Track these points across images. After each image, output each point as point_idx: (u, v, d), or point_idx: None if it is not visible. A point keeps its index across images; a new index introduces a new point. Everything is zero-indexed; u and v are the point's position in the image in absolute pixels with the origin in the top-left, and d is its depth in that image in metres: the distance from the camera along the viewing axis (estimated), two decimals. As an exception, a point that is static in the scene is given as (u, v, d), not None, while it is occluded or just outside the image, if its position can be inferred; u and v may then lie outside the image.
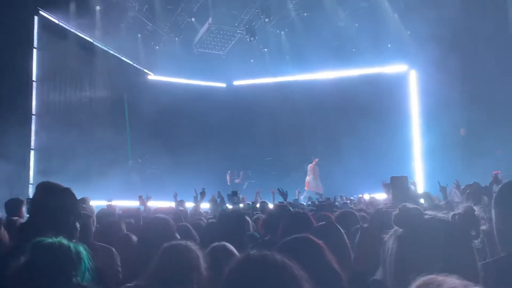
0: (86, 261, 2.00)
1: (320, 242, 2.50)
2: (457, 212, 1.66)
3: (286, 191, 7.26)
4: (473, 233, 1.63)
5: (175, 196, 7.61)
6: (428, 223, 1.67)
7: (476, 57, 13.79)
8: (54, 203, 2.53)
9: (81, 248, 2.01)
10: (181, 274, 2.40)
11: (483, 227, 1.64)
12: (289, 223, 3.62)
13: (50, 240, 1.97)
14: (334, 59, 17.85)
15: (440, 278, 1.18)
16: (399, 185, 3.97)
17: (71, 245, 1.99)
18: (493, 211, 2.24)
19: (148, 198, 7.41)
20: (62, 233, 2.06)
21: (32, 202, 2.72)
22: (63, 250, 1.96)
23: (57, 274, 1.90)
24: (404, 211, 1.70)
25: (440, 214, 1.70)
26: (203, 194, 7.83)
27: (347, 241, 3.24)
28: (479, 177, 6.97)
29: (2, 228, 3.46)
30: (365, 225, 3.21)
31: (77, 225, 2.63)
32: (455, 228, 1.64)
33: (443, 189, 6.37)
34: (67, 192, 2.67)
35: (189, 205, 8.49)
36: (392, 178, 4.07)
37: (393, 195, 4.01)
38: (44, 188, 2.71)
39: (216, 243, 3.03)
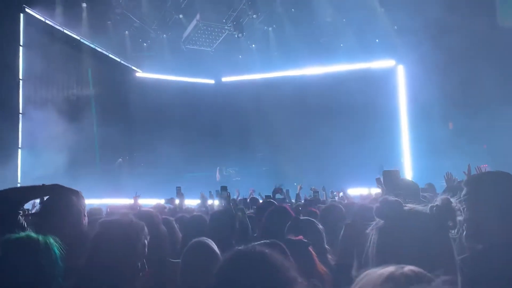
0: (57, 251, 2.01)
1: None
2: (434, 204, 1.70)
3: (279, 187, 7.28)
4: (450, 224, 1.67)
5: (135, 198, 7.46)
6: (407, 214, 1.72)
7: (463, 52, 13.88)
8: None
9: (51, 239, 2.03)
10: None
11: (460, 218, 1.69)
12: (268, 219, 3.68)
13: (17, 235, 1.99)
14: (322, 54, 17.92)
15: (376, 269, 1.23)
16: (391, 178, 3.96)
17: (40, 237, 2.00)
18: (464, 204, 2.27)
19: (137, 196, 7.37)
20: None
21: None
22: (32, 243, 1.97)
23: (27, 267, 1.92)
24: (384, 203, 1.75)
25: (419, 206, 1.74)
26: (179, 193, 7.78)
27: (324, 235, 3.30)
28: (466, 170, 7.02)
29: None
30: (349, 221, 3.25)
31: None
32: (433, 219, 1.68)
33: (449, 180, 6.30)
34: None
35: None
36: (384, 172, 4.05)
37: (384, 189, 4.02)
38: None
39: (196, 239, 3.04)
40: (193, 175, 17.25)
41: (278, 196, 8.50)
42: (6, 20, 12.92)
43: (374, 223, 1.77)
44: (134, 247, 2.40)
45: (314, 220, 3.45)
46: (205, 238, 3.07)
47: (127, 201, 8.76)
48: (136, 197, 7.41)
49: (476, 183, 2.36)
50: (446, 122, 15.65)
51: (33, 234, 2.01)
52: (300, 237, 2.67)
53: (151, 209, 4.14)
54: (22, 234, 2.00)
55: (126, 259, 2.34)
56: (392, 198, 1.78)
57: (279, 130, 18.40)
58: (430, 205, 1.72)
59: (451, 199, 1.70)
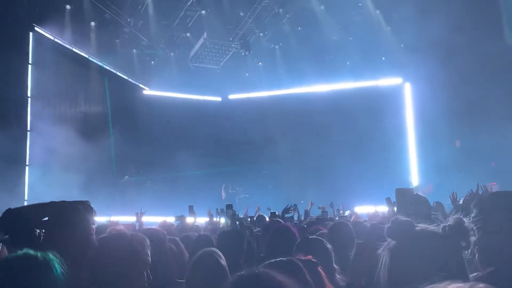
0: (57, 267, 1.99)
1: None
2: (447, 223, 1.67)
3: (292, 205, 7.24)
4: (464, 244, 1.65)
5: (137, 214, 7.44)
6: (419, 235, 1.68)
7: (470, 70, 13.84)
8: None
9: (50, 255, 2.01)
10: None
11: (473, 238, 1.65)
12: (272, 238, 3.64)
13: (15, 254, 1.98)
14: (328, 72, 17.97)
15: (441, 285, 1.18)
16: (404, 197, 3.86)
17: (39, 254, 1.99)
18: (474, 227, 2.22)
19: (142, 213, 7.33)
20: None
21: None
22: (30, 261, 1.95)
23: (26, 286, 1.90)
24: (396, 223, 1.72)
25: (431, 226, 1.71)
26: (191, 211, 7.81)
27: (332, 254, 3.24)
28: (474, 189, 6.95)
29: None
30: (360, 241, 3.20)
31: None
32: (446, 239, 1.65)
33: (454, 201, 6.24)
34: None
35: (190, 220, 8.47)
36: (397, 190, 3.93)
37: (398, 208, 3.93)
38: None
39: (205, 250, 3.01)
40: (199, 191, 17.20)
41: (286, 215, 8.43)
42: (16, 39, 13.10)
43: (385, 243, 1.74)
44: (138, 255, 2.39)
45: (323, 240, 3.40)
46: (214, 249, 3.03)
47: (131, 218, 8.74)
48: (138, 213, 7.36)
49: (487, 205, 2.31)
50: (453, 140, 15.58)
51: (31, 252, 1.99)
52: (309, 257, 2.63)
53: (157, 227, 4.11)
54: (20, 252, 1.98)
55: (131, 268, 2.32)
56: (403, 218, 1.75)
57: (285, 147, 18.39)
58: (442, 225, 1.69)
59: (464, 219, 1.67)
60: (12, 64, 12.96)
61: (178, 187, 16.30)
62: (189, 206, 8.02)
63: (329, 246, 3.30)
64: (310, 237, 3.53)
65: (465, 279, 1.61)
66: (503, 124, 13.24)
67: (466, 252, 1.66)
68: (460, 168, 14.07)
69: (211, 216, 8.10)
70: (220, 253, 3.04)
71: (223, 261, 2.99)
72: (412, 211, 3.47)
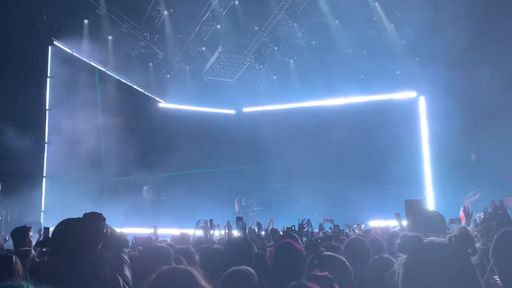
0: None
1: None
2: (453, 234, 1.78)
3: (305, 220, 7.23)
4: (470, 251, 1.74)
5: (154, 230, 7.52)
6: (427, 247, 1.77)
7: (485, 83, 13.77)
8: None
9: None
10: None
11: (478, 245, 1.77)
12: (276, 255, 3.64)
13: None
14: (342, 85, 17.98)
15: None
16: (413, 208, 3.84)
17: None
18: (491, 260, 2.33)
19: (155, 227, 7.45)
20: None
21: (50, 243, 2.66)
22: None
23: None
24: (404, 239, 1.81)
25: (438, 238, 1.81)
26: (211, 225, 7.87)
27: (351, 270, 3.24)
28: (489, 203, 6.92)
29: (16, 261, 3.42)
30: (377, 256, 3.20)
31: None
32: (453, 249, 1.75)
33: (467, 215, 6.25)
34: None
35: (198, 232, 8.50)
36: (407, 202, 3.91)
37: (408, 219, 3.92)
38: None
39: (236, 268, 3.00)
40: (213, 204, 17.24)
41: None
42: (35, 53, 13.40)
43: (399, 258, 1.80)
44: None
45: (340, 256, 3.40)
46: (246, 268, 3.02)
47: (147, 231, 8.83)
48: (155, 227, 7.48)
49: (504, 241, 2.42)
50: (469, 153, 15.46)
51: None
52: (326, 273, 2.66)
53: (167, 245, 4.13)
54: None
55: None
56: (411, 233, 1.82)
57: (299, 160, 18.36)
58: (448, 235, 1.79)
59: (468, 228, 1.79)
60: (31, 78, 13.26)
61: (191, 199, 16.35)
62: (209, 219, 8.12)
63: (346, 262, 3.30)
64: (325, 253, 3.53)
65: (476, 283, 1.73)
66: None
67: (474, 258, 1.75)
68: (476, 181, 13.95)
69: (229, 228, 8.13)
70: (253, 272, 3.02)
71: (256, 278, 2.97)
72: (427, 226, 3.47)
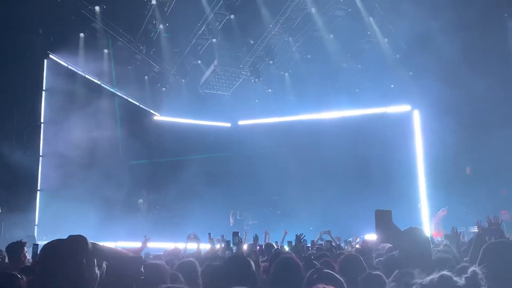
0: None
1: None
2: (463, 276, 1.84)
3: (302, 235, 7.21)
4: None
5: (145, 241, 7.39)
6: None
7: (479, 96, 13.84)
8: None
9: None
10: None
11: None
12: (275, 272, 3.63)
13: None
14: (337, 99, 18.07)
15: None
16: (382, 219, 3.81)
17: None
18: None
19: (147, 240, 7.25)
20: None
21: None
22: None
23: None
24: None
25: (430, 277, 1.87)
26: (210, 239, 7.86)
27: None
28: (484, 217, 6.93)
29: (22, 280, 3.37)
30: (374, 272, 3.19)
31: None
32: None
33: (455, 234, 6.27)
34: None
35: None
36: (377, 212, 3.88)
37: (376, 230, 3.88)
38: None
39: None
40: (207, 217, 17.18)
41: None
42: (31, 66, 13.40)
43: None
44: None
45: (334, 273, 3.38)
46: None
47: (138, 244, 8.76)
48: (144, 240, 7.32)
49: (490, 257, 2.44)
50: (463, 167, 15.51)
51: None
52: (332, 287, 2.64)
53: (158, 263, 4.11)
54: None
55: None
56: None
57: (294, 173, 18.37)
58: (464, 276, 1.84)
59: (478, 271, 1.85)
60: (26, 91, 13.24)
61: (185, 212, 16.29)
62: (208, 233, 8.15)
63: (341, 279, 3.28)
64: (324, 270, 3.50)
65: None
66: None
67: None
68: (470, 195, 13.97)
69: (223, 242, 8.08)
70: None
71: None
72: (417, 252, 3.49)
